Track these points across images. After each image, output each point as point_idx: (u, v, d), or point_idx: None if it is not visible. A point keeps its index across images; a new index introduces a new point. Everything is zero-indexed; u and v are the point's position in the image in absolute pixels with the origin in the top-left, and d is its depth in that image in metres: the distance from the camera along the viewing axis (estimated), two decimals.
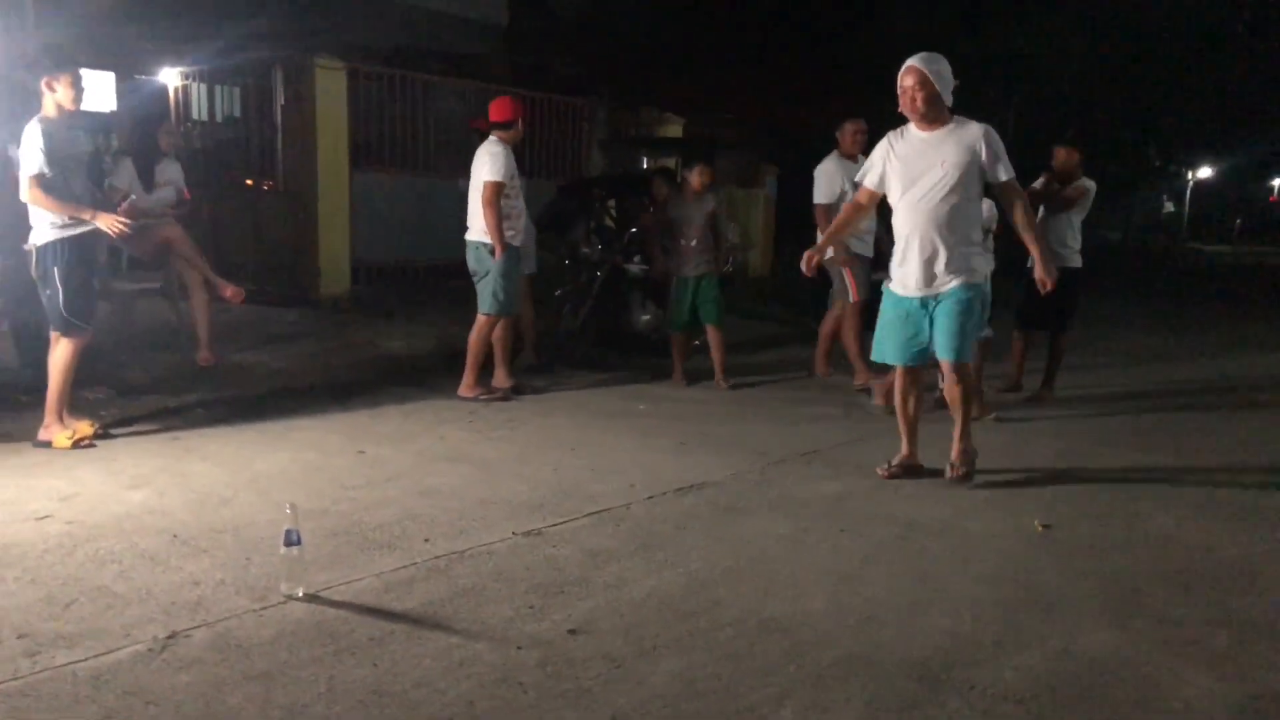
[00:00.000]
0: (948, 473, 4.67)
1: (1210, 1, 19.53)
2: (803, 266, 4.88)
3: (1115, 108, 20.10)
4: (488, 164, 6.12)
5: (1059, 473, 5.01)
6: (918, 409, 4.81)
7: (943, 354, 4.58)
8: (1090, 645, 3.00)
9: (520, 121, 6.37)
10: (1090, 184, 6.68)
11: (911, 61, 4.41)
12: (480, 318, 6.30)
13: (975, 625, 3.13)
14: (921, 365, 4.72)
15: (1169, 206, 42.33)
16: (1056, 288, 6.60)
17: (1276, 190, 49.85)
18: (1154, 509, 4.40)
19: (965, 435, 4.74)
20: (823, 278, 6.53)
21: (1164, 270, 22.44)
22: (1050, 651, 2.96)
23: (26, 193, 4.68)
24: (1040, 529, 4.07)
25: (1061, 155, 6.68)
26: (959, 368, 4.61)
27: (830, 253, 6.47)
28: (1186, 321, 12.41)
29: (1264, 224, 47.27)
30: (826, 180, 6.71)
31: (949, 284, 4.49)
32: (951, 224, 4.45)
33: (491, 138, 6.26)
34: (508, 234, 6.17)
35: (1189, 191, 39.89)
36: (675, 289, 7.08)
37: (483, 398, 6.27)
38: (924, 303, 4.54)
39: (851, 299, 6.78)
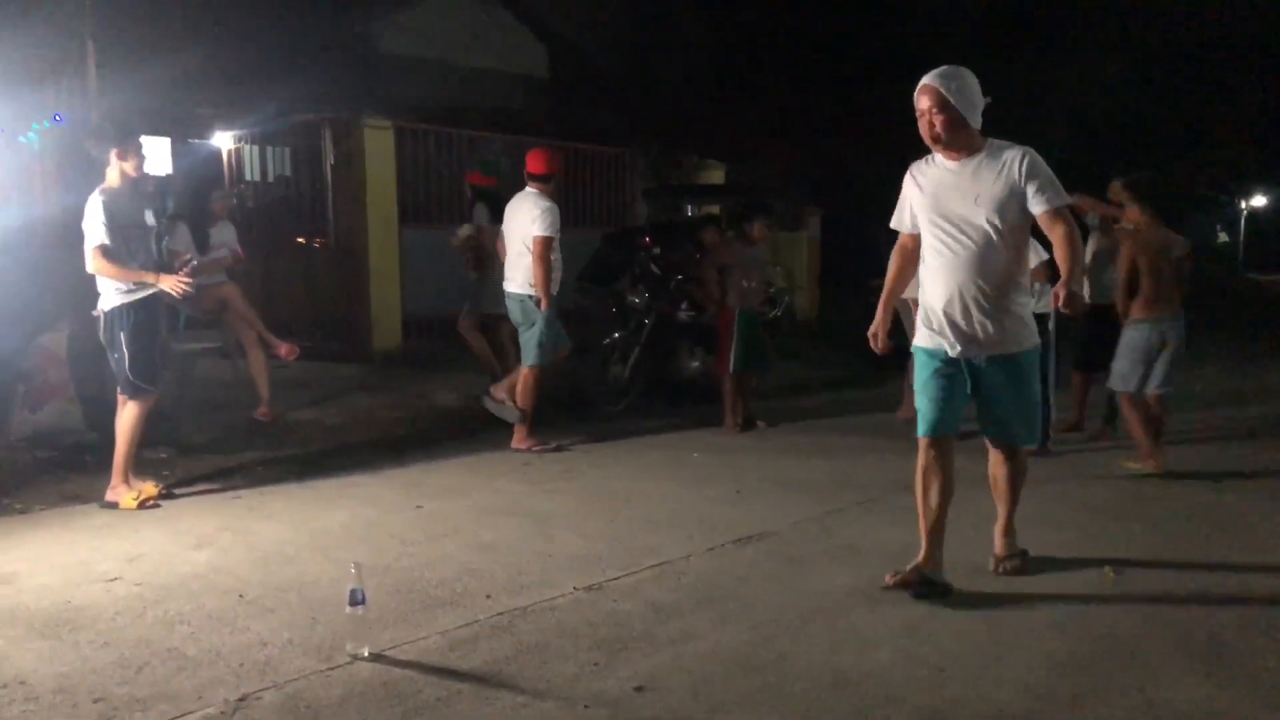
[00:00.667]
0: (992, 566, 4.05)
1: (1261, 25, 19.23)
2: (875, 347, 4.17)
3: (1162, 135, 19.85)
4: (540, 219, 6.16)
5: (1128, 514, 4.90)
6: (943, 498, 3.85)
7: (994, 434, 3.96)
8: (1174, 698, 2.91)
9: (559, 174, 6.49)
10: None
11: (926, 80, 3.71)
12: (525, 370, 6.35)
13: (1050, 676, 3.05)
14: (953, 435, 3.91)
15: (1222, 236, 41.61)
16: (1102, 327, 6.58)
17: None
18: (1229, 553, 4.28)
19: (1010, 527, 4.08)
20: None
21: (1222, 302, 22.00)
22: (1132, 704, 2.87)
23: (91, 263, 4.82)
24: (1112, 575, 3.97)
25: (1117, 190, 6.63)
26: (1013, 450, 3.99)
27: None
28: (1250, 356, 12.12)
29: None
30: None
31: (997, 348, 3.74)
32: (988, 271, 3.67)
33: (534, 191, 6.33)
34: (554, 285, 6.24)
35: (1242, 221, 39.21)
36: (740, 325, 7.07)
37: (536, 449, 6.29)
38: (964, 364, 3.77)
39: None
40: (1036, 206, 3.64)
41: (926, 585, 3.72)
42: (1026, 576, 3.96)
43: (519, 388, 6.39)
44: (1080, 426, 6.87)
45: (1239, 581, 3.92)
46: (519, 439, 6.34)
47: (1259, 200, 37.22)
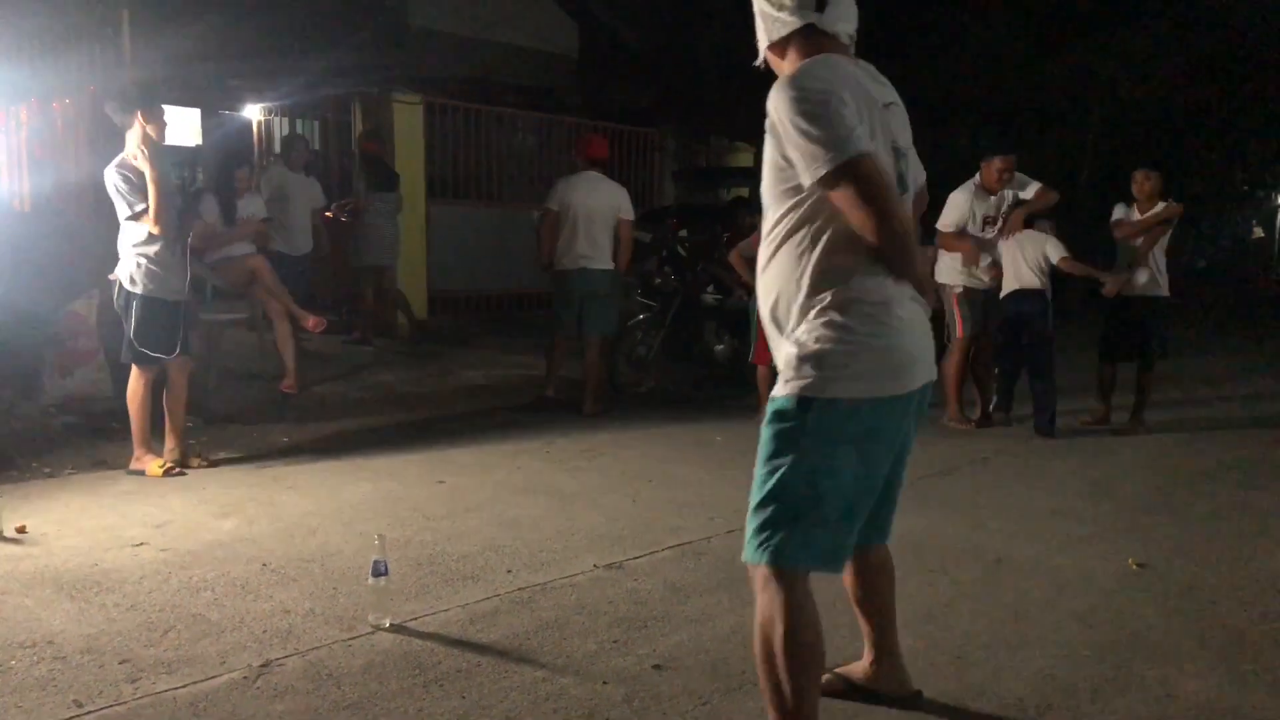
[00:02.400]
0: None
1: None
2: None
3: (1199, 129, 19.52)
4: (625, 201, 6.90)
5: (1153, 509, 4.85)
6: (878, 593, 2.65)
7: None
8: (1195, 691, 2.88)
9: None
10: (1172, 204, 6.54)
11: None
12: (599, 340, 6.88)
13: (1071, 667, 3.03)
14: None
15: (1258, 232, 41.00)
16: (1138, 318, 6.53)
17: None
18: (1255, 549, 4.23)
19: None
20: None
21: (1257, 300, 21.73)
22: (1152, 697, 2.85)
23: (131, 231, 4.82)
24: (1135, 567, 3.94)
25: (1140, 181, 6.57)
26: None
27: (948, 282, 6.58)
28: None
29: None
30: (952, 209, 6.61)
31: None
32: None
33: (599, 175, 6.89)
34: None
35: (1279, 217, 38.61)
36: None
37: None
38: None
39: (957, 334, 6.70)
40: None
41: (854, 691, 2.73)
42: (1049, 567, 3.93)
43: (595, 358, 6.86)
44: (1107, 419, 6.81)
45: (1265, 578, 3.88)
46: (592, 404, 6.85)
47: None
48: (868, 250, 2.09)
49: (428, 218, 9.52)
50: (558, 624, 3.27)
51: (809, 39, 2.13)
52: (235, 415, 6.22)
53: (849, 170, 1.98)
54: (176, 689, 2.74)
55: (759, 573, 2.26)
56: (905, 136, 2.28)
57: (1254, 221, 39.14)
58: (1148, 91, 17.52)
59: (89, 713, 2.60)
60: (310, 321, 6.70)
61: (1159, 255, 6.57)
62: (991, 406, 6.83)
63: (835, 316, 2.12)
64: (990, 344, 6.88)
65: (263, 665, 2.90)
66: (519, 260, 10.30)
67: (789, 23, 2.13)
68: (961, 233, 6.50)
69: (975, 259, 6.49)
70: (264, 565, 3.75)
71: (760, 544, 2.21)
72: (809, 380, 2.14)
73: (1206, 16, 17.57)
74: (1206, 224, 25.53)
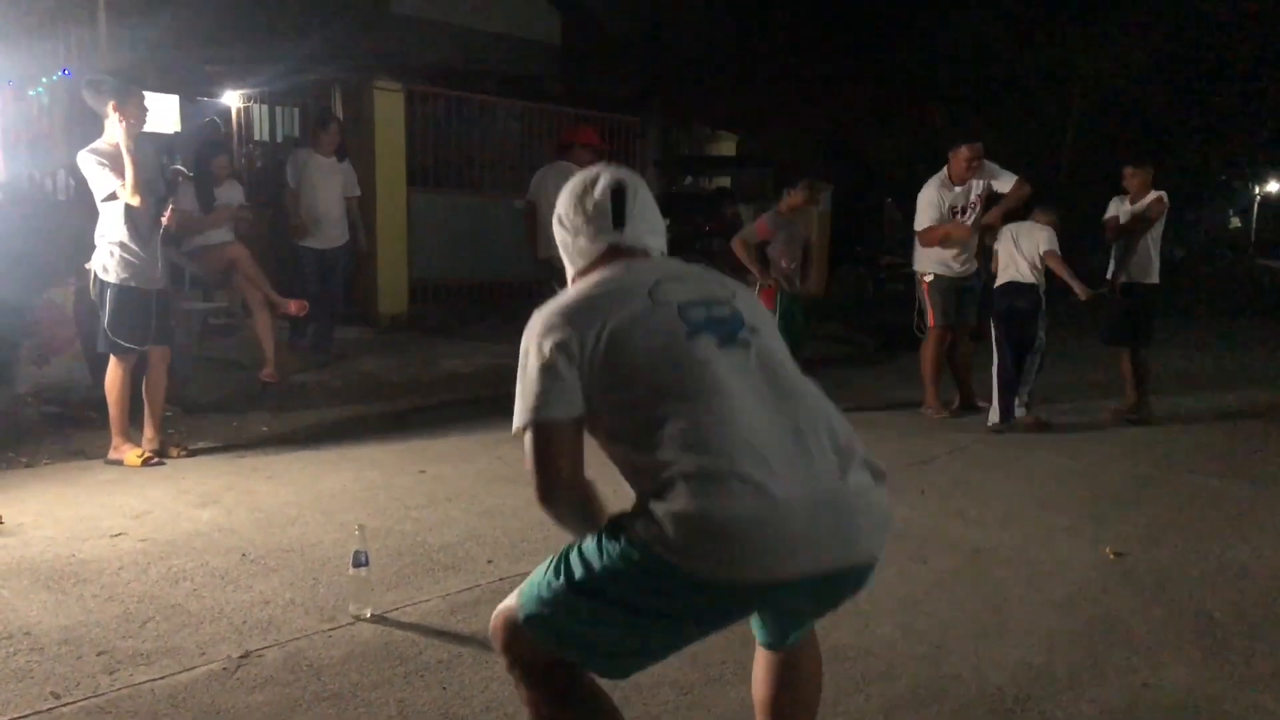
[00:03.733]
0: None
1: (1276, 11, 19.09)
2: None
3: (1178, 120, 19.69)
4: None
5: (1131, 498, 4.90)
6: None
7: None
8: (1170, 679, 2.92)
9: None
10: (1162, 194, 6.61)
11: None
12: None
13: (1049, 656, 3.06)
14: None
15: (1235, 222, 41.41)
16: (1132, 304, 6.60)
17: None
18: (1231, 538, 4.28)
19: None
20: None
21: (1234, 288, 21.93)
22: (1128, 685, 2.88)
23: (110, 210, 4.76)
24: (1113, 557, 3.98)
25: (1131, 176, 6.63)
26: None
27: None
28: (1260, 342, 12.08)
29: None
30: (926, 208, 6.63)
31: None
32: None
33: (567, 163, 6.64)
34: None
35: (1255, 206, 39.01)
36: (781, 306, 6.60)
37: None
38: None
39: (929, 323, 6.75)
40: None
41: None
42: (1027, 557, 3.96)
43: None
44: (1137, 408, 6.83)
45: (1238, 567, 3.93)
46: None
47: (1272, 186, 37.01)
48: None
49: (408, 206, 9.46)
50: None
51: (614, 257, 1.93)
52: (215, 404, 6.18)
53: (528, 436, 1.82)
54: (155, 680, 2.72)
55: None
56: (714, 308, 1.86)
57: (1231, 211, 39.46)
58: (1125, 81, 17.64)
59: (66, 704, 2.59)
60: (292, 305, 6.65)
61: (1153, 244, 6.65)
62: (1019, 402, 6.54)
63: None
64: (967, 333, 6.91)
65: (242, 656, 2.88)
66: (500, 249, 10.26)
67: (592, 250, 1.93)
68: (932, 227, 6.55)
69: (966, 234, 6.52)
70: (243, 555, 3.73)
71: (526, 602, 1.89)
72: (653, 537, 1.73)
73: (1176, 7, 17.72)
74: (1186, 215, 25.74)
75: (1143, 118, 19.11)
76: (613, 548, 1.78)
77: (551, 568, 1.87)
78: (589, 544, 1.83)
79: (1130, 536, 4.25)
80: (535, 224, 6.81)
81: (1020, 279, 6.39)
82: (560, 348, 1.78)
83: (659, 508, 1.70)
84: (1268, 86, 20.50)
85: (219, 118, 9.70)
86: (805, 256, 6.67)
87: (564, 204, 1.98)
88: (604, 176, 1.95)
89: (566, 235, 1.98)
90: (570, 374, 1.78)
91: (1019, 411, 6.37)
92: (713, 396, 1.74)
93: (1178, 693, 2.84)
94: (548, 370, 1.78)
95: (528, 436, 1.82)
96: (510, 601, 1.93)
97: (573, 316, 1.81)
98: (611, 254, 1.93)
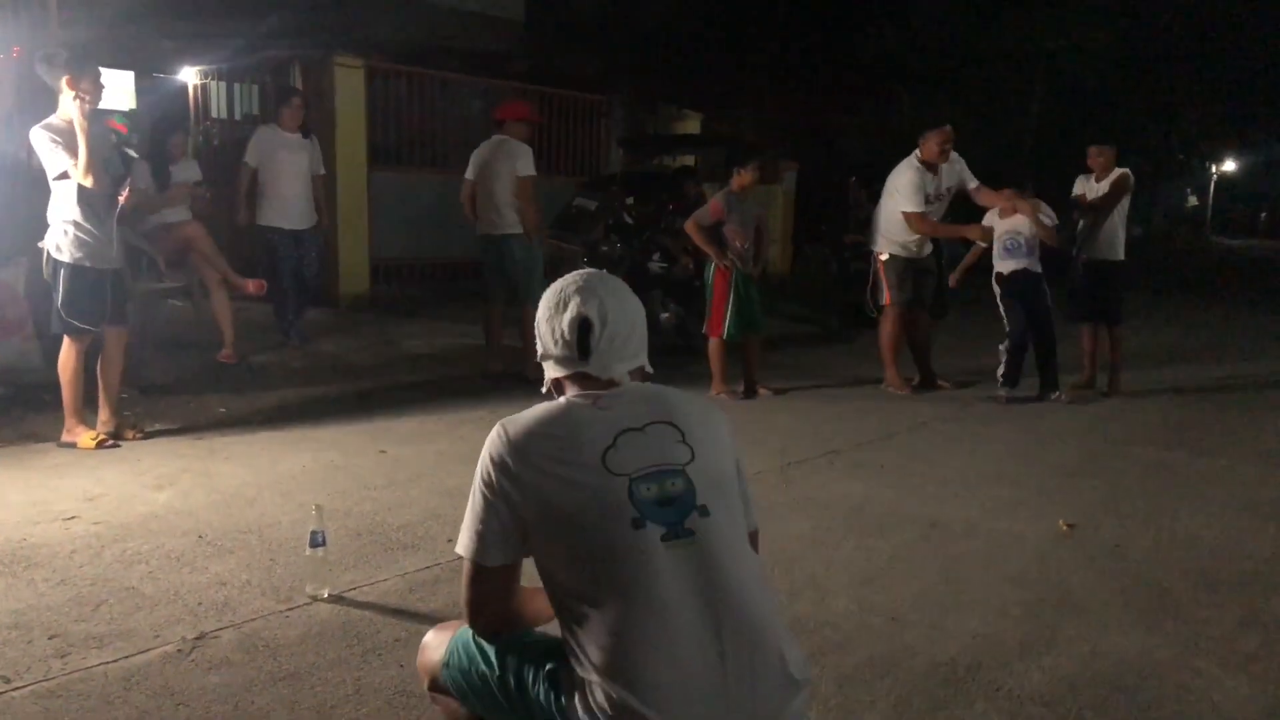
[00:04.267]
0: None
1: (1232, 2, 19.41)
2: None
3: (1138, 101, 19.92)
4: (522, 159, 6.56)
5: (1084, 472, 4.98)
6: None
7: None
8: (1118, 647, 2.98)
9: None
10: (1126, 171, 6.71)
11: None
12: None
13: (1001, 626, 3.11)
14: None
15: (1192, 200, 42.03)
16: (1099, 281, 6.69)
17: None
18: (1180, 509, 4.37)
19: None
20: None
21: (1190, 265, 22.28)
22: (1078, 653, 2.94)
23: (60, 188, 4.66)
24: (1066, 529, 4.05)
25: (1096, 155, 6.71)
26: None
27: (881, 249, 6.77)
28: (1212, 318, 12.30)
29: None
30: (911, 190, 6.63)
31: None
32: None
33: (501, 136, 6.64)
34: None
35: (1212, 185, 39.60)
36: (736, 287, 6.48)
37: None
38: None
39: (884, 300, 6.82)
40: None
41: None
42: (983, 531, 4.02)
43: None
44: (1092, 383, 6.97)
45: (1186, 537, 4.01)
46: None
47: (1229, 165, 37.59)
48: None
49: (369, 185, 9.36)
50: None
51: (582, 382, 1.90)
52: (171, 386, 6.09)
53: (465, 565, 1.82)
54: (107, 663, 2.70)
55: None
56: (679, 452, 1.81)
57: (1189, 190, 40.03)
58: (1086, 63, 17.83)
59: (17, 689, 2.56)
60: (251, 285, 6.57)
61: (1118, 221, 6.74)
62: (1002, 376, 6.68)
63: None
64: (924, 313, 6.98)
65: (197, 638, 2.86)
66: (463, 228, 10.17)
67: (560, 371, 1.92)
68: (925, 214, 6.60)
69: (981, 236, 6.67)
70: (200, 537, 3.70)
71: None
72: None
73: None
74: (1144, 194, 26.09)
75: (1104, 98, 19.30)
76: (537, 689, 1.80)
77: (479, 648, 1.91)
78: (517, 661, 1.85)
79: (1082, 508, 4.32)
80: (471, 201, 6.75)
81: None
82: (504, 495, 1.75)
83: (579, 705, 1.69)
84: (1220, 66, 20.84)
85: (164, 99, 9.54)
86: (758, 235, 6.64)
87: (541, 312, 1.94)
88: (573, 303, 1.88)
89: (541, 342, 1.95)
90: (511, 519, 1.76)
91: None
92: (648, 601, 1.67)
93: (1126, 660, 2.90)
94: (490, 507, 1.77)
95: (464, 564, 1.82)
96: (435, 641, 2.05)
97: (529, 455, 1.75)
98: (579, 379, 1.90)
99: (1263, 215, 46.97)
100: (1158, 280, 16.28)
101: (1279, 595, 3.43)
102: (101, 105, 4.84)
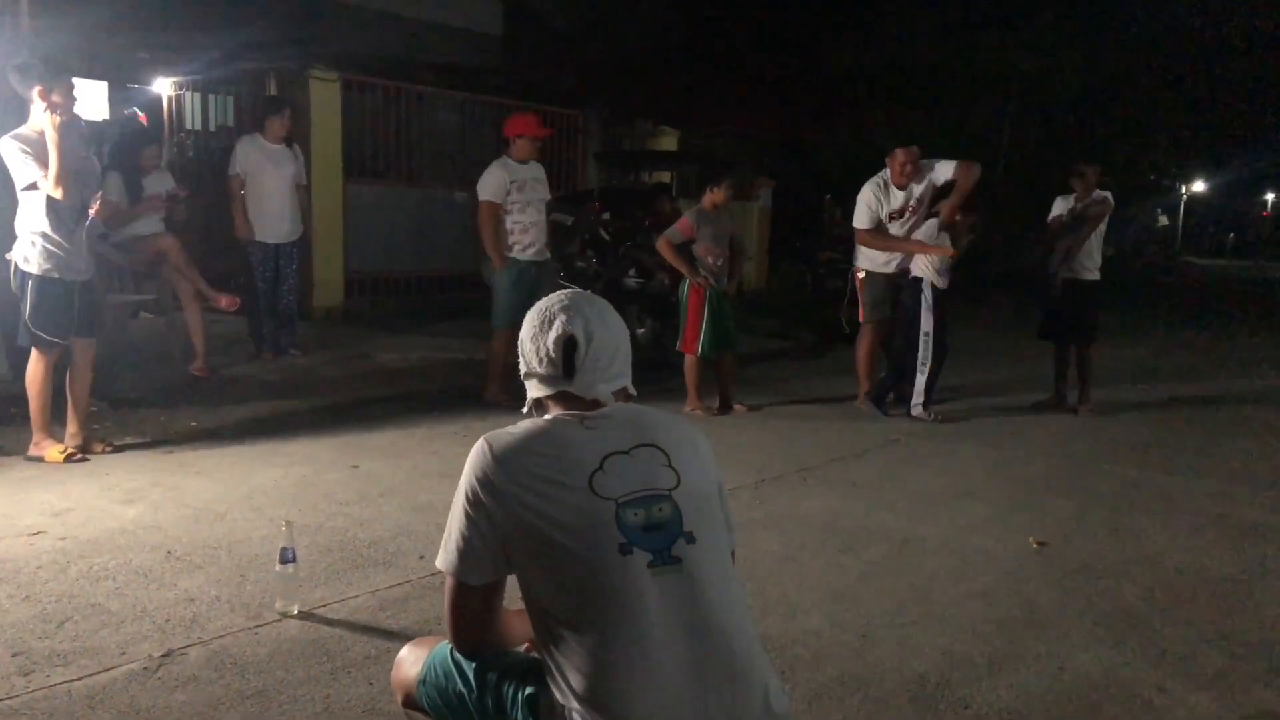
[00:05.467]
0: None
1: (1203, 16, 19.72)
2: None
3: (1109, 122, 20.20)
4: (483, 180, 6.41)
5: (1054, 489, 5.02)
6: None
7: None
8: (1084, 664, 3.01)
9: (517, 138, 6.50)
10: (1107, 194, 6.82)
11: None
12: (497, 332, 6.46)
13: (971, 643, 3.13)
14: None
15: (1162, 220, 42.60)
16: (1074, 301, 6.76)
17: (1269, 205, 50.29)
18: (1148, 527, 4.42)
19: None
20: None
21: (1159, 285, 22.57)
22: (1045, 670, 2.96)
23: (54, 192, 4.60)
24: (1036, 546, 4.08)
25: (1079, 176, 6.82)
26: None
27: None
28: (1181, 337, 12.46)
29: (1257, 238, 47.84)
30: (863, 207, 6.65)
31: None
32: None
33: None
34: (517, 248, 6.39)
35: (1182, 205, 40.18)
36: (710, 304, 6.47)
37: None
38: None
39: (859, 318, 6.87)
40: None
41: None
42: (953, 548, 4.05)
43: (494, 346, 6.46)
44: (1062, 401, 7.03)
45: (1152, 555, 4.06)
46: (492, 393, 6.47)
47: (1198, 186, 38.17)
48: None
49: (344, 198, 9.34)
50: None
51: (566, 401, 1.90)
52: (142, 400, 6.03)
53: (448, 582, 1.80)
54: (72, 681, 2.67)
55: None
56: (664, 476, 1.79)
57: (1159, 210, 40.57)
58: (1057, 82, 18.06)
59: None
60: (224, 300, 6.53)
61: (1095, 242, 6.83)
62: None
63: None
64: (899, 328, 7.01)
65: (164, 655, 2.83)
66: (439, 241, 10.18)
67: (544, 391, 1.92)
68: (878, 228, 6.59)
69: (910, 249, 6.62)
70: (169, 553, 3.66)
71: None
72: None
73: (1103, 9, 18.24)
74: (1116, 214, 26.43)
75: (1076, 117, 19.56)
76: (515, 712, 1.77)
77: (456, 668, 1.89)
78: (496, 680, 1.82)
79: (1052, 526, 4.37)
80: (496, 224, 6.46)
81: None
82: (487, 512, 1.72)
83: None
84: (1191, 88, 21.20)
85: (140, 109, 9.47)
86: (732, 252, 6.68)
87: (525, 330, 1.93)
88: (558, 321, 1.87)
89: (525, 361, 1.94)
90: (493, 536, 1.72)
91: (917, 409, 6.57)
92: (631, 630, 1.65)
93: (1093, 677, 2.93)
94: (472, 523, 1.73)
95: (447, 581, 1.80)
96: (411, 657, 2.03)
97: (513, 471, 1.73)
98: (562, 398, 1.90)
99: (1230, 236, 47.76)
100: (1126, 299, 16.47)
101: (1244, 613, 3.48)
102: (101, 107, 4.81)
